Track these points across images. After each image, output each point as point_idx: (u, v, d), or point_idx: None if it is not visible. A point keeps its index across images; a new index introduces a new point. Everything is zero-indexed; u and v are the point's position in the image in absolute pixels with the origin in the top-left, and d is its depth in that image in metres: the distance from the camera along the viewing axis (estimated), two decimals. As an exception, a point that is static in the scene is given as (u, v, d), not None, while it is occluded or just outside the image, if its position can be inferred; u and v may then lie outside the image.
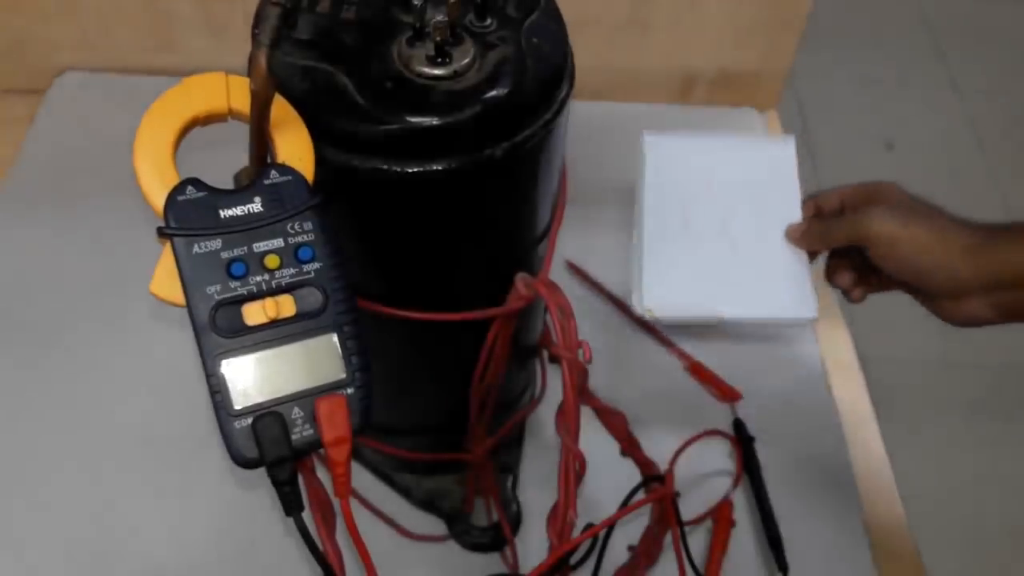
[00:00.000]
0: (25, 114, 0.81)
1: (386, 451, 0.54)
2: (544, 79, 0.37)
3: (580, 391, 0.42)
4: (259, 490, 0.57)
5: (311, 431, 0.32)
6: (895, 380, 1.31)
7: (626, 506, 0.48)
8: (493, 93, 0.35)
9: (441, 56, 0.34)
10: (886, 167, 1.94)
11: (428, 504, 0.56)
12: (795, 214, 0.59)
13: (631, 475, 0.51)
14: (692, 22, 0.80)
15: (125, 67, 0.82)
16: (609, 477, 0.50)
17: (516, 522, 0.56)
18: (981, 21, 2.26)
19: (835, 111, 2.02)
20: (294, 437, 0.32)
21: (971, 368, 1.43)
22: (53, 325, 0.65)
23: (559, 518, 0.40)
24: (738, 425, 0.63)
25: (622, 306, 0.69)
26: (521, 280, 0.42)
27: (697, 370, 0.65)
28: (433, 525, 0.56)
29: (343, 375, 0.33)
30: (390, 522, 0.55)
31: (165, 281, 0.31)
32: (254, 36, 0.30)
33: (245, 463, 0.31)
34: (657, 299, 0.57)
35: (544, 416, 0.61)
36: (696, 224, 0.59)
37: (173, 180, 0.32)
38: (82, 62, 0.82)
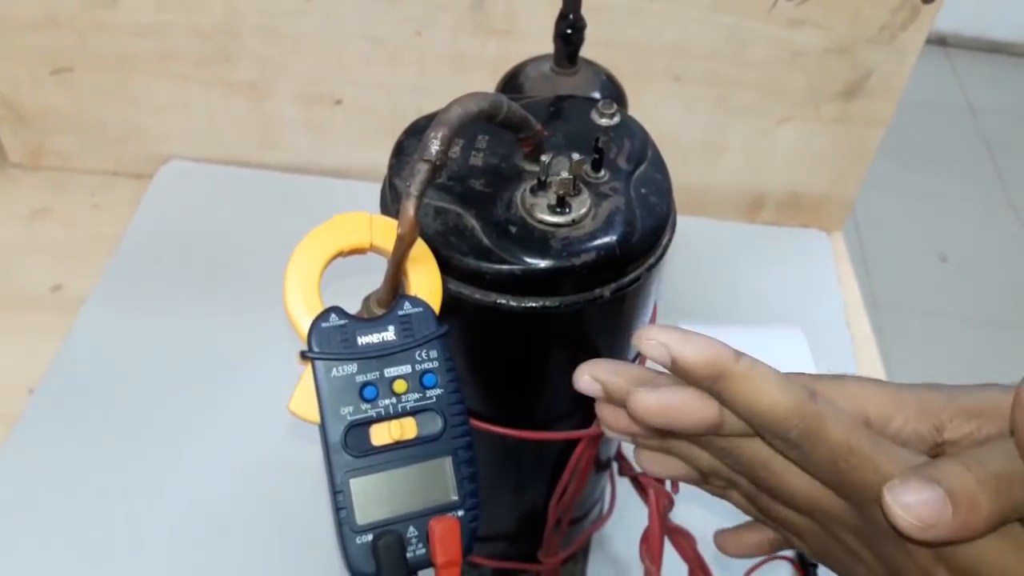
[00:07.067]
0: (130, 197, 0.87)
1: (460, 555, 0.55)
2: (651, 228, 0.39)
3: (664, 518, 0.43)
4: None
5: (424, 550, 0.34)
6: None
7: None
8: (605, 240, 0.38)
9: (561, 206, 0.38)
10: (940, 279, 1.94)
11: (494, 610, 0.57)
12: None
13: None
14: (765, 147, 0.84)
15: (228, 159, 0.88)
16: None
17: (581, 635, 0.57)
18: (1040, 142, 2.29)
19: (889, 222, 2.04)
20: (408, 555, 0.34)
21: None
22: (146, 408, 0.68)
23: (640, 645, 0.41)
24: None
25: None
26: (611, 405, 0.44)
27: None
28: (498, 632, 0.57)
29: (455, 497, 0.35)
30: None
31: (303, 401, 0.34)
32: (405, 187, 0.33)
33: (362, 578, 0.33)
34: None
35: (610, 530, 0.62)
36: None
37: (318, 308, 0.35)
38: (188, 152, 0.88)
